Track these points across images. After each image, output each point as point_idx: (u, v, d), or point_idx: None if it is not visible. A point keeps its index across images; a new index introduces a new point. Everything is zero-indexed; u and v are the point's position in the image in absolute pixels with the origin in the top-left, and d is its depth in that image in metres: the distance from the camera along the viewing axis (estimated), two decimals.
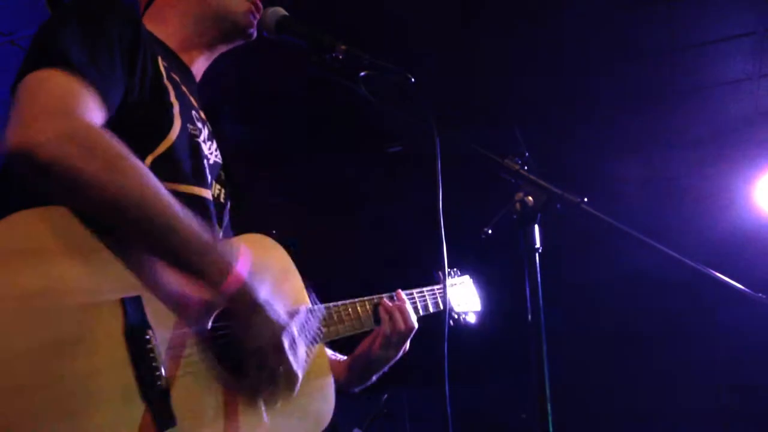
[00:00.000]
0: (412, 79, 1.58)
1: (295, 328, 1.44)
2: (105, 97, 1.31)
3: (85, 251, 1.22)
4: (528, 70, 4.55)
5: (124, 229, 1.26)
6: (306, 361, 1.49)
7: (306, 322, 1.64)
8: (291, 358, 1.41)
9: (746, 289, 1.53)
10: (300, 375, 1.44)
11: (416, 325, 1.95)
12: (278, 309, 1.42)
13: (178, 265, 1.31)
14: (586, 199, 1.50)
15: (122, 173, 1.23)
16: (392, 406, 4.45)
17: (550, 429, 1.41)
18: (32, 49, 1.32)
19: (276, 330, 1.39)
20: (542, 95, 4.78)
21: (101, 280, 1.22)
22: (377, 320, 1.92)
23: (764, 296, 1.53)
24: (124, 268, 1.27)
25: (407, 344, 1.96)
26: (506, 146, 1.60)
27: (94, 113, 1.28)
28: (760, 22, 4.17)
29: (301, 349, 1.46)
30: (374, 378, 1.97)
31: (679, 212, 5.12)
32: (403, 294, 2.00)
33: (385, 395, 4.43)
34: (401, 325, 1.91)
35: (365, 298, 1.91)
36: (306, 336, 1.56)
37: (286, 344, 1.40)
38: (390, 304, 1.94)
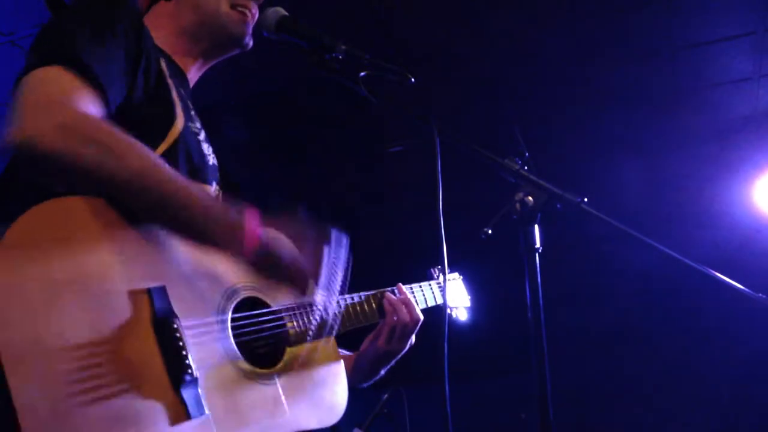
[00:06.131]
0: (413, 79, 1.58)
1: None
2: (104, 90, 1.32)
3: (116, 240, 1.26)
4: (528, 70, 4.55)
5: (132, 207, 1.29)
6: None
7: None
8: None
9: (746, 289, 1.53)
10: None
11: (422, 317, 1.96)
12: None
13: (191, 234, 1.34)
14: (586, 199, 1.50)
15: (118, 152, 1.25)
16: (392, 406, 4.44)
17: (551, 429, 1.41)
18: (33, 49, 1.34)
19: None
20: (542, 95, 4.78)
21: (130, 269, 1.26)
22: (382, 313, 1.92)
23: (764, 296, 1.53)
24: (153, 257, 1.30)
25: (413, 337, 1.97)
26: (506, 146, 1.60)
27: (90, 105, 1.29)
28: (760, 22, 4.17)
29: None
30: (382, 372, 1.98)
31: (679, 212, 5.11)
32: (404, 287, 2.02)
33: (385, 395, 4.41)
34: (406, 318, 1.93)
35: (369, 292, 1.93)
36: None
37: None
38: (394, 297, 1.96)
